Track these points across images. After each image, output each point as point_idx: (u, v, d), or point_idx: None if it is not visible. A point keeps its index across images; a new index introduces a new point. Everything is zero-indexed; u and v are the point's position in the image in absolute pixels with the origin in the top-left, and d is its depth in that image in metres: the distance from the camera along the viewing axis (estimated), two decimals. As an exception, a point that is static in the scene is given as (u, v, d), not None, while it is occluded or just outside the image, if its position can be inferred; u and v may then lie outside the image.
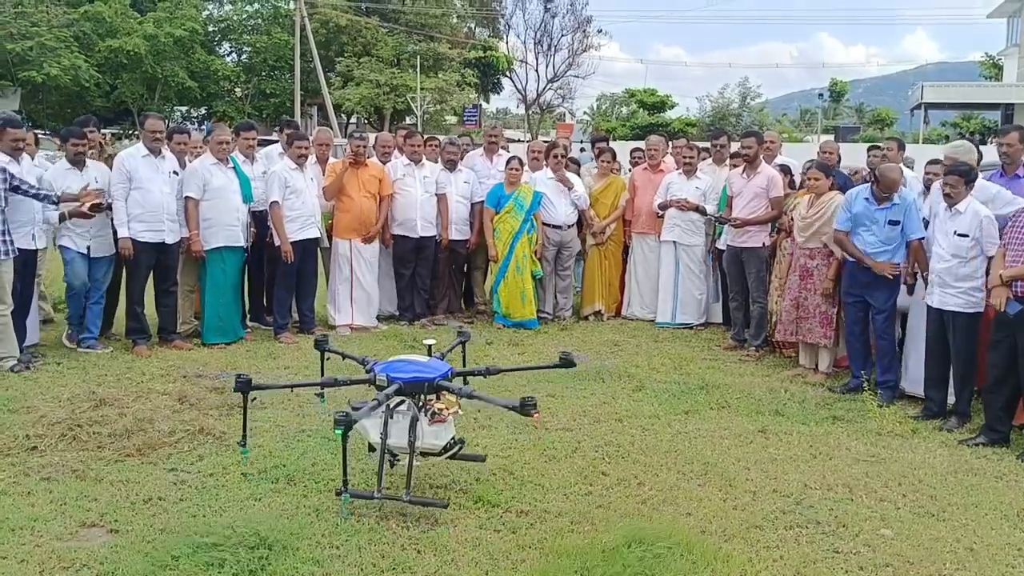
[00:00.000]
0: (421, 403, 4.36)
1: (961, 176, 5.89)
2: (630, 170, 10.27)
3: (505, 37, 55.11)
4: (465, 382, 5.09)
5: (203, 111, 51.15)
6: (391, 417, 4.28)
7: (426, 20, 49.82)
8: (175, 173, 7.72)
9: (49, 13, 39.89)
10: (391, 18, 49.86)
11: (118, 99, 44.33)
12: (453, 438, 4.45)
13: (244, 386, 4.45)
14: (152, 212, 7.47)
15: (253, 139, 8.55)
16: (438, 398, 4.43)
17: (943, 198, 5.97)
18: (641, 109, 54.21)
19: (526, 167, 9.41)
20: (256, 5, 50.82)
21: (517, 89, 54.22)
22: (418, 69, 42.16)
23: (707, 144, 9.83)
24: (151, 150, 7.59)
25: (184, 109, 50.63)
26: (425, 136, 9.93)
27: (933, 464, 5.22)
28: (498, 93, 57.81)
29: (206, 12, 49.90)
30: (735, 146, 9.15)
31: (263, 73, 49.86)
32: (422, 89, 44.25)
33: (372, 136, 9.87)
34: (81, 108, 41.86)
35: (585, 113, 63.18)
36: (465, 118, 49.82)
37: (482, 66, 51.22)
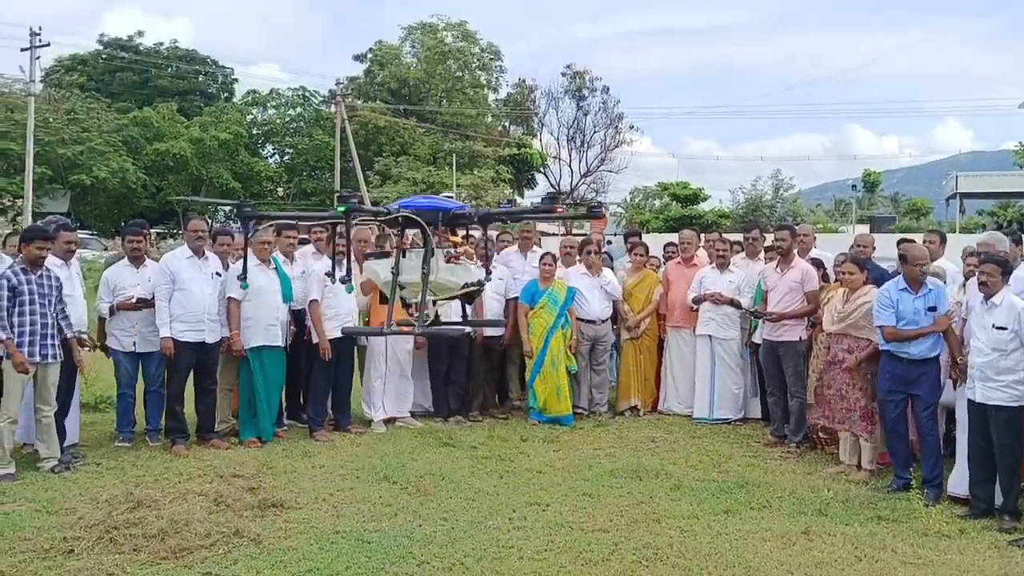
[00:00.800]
0: (436, 237, 4.46)
1: (998, 265, 5.86)
2: (663, 264, 10.30)
3: (539, 134, 56.34)
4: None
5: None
6: (404, 256, 4.33)
7: (462, 120, 51.18)
8: (218, 274, 7.90)
9: (100, 119, 41.56)
10: (428, 119, 51.26)
11: (164, 200, 45.65)
12: (470, 281, 4.49)
13: (249, 212, 4.74)
14: (193, 313, 7.64)
15: (294, 239, 8.74)
16: (455, 234, 4.53)
17: (979, 288, 5.92)
18: (674, 202, 54.63)
19: (559, 263, 9.49)
20: (299, 109, 52.58)
21: (551, 184, 55.12)
22: (454, 167, 43.08)
23: (740, 237, 9.86)
24: (195, 251, 7.81)
25: (227, 208, 51.92)
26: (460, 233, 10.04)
27: (983, 566, 5.04)
28: (532, 188, 58.74)
29: (250, 116, 51.65)
30: (768, 239, 9.17)
31: (304, 173, 51.25)
32: (458, 186, 45.09)
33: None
34: (128, 209, 43.25)
35: (619, 206, 63.82)
36: (500, 213, 50.45)
37: (516, 162, 52.21)
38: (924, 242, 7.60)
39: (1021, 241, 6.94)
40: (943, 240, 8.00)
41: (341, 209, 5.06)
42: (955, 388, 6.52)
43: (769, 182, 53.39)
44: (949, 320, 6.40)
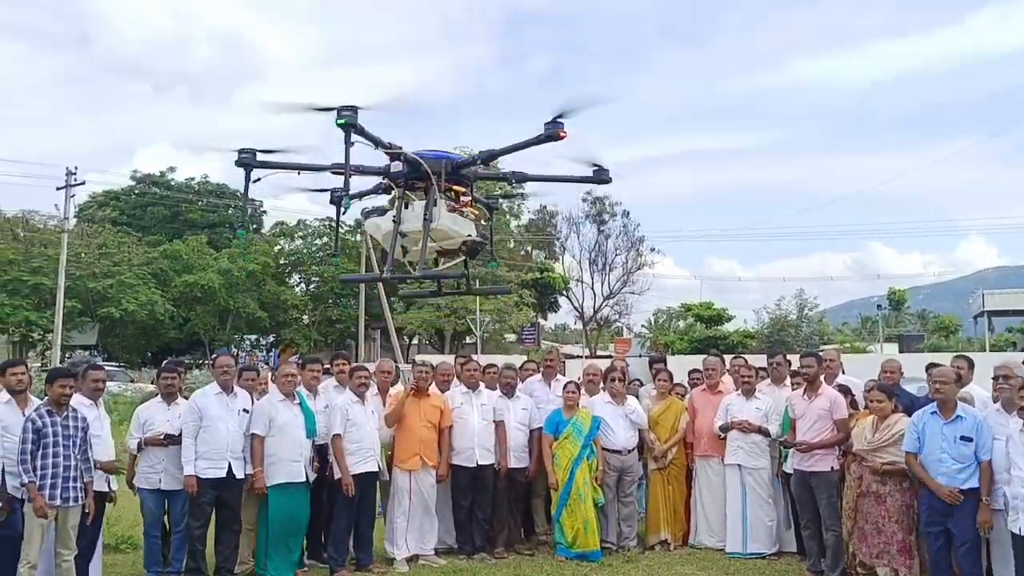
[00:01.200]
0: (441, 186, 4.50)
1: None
2: (689, 390, 10.19)
3: (561, 258, 57.00)
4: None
5: (271, 338, 52.87)
6: (406, 207, 4.33)
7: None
8: (245, 411, 7.91)
9: (130, 253, 42.59)
10: (452, 244, 52.13)
11: (191, 331, 46.20)
12: (472, 234, 4.49)
13: (249, 159, 4.72)
14: (216, 449, 7.61)
15: (318, 372, 8.76)
16: (460, 185, 4.57)
17: (1018, 413, 5.79)
18: (699, 323, 54.61)
19: (583, 391, 9.42)
20: (325, 238, 53.67)
21: (574, 306, 55.44)
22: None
23: (765, 361, 9.78)
24: (223, 387, 7.85)
25: (253, 337, 52.45)
26: (483, 363, 10.03)
27: None
28: (555, 311, 59.09)
29: (278, 247, 52.73)
30: (794, 362, 9.09)
31: (329, 300, 51.84)
32: (481, 310, 45.41)
33: (434, 361, 10.00)
34: (155, 340, 43.76)
35: (643, 326, 63.86)
36: (524, 336, 50.67)
37: (539, 286, 52.68)
38: (952, 366, 7.50)
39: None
40: (971, 365, 7.85)
41: (340, 122, 5.31)
42: (983, 535, 6.27)
43: (793, 302, 53.37)
44: (954, 495, 6.21)
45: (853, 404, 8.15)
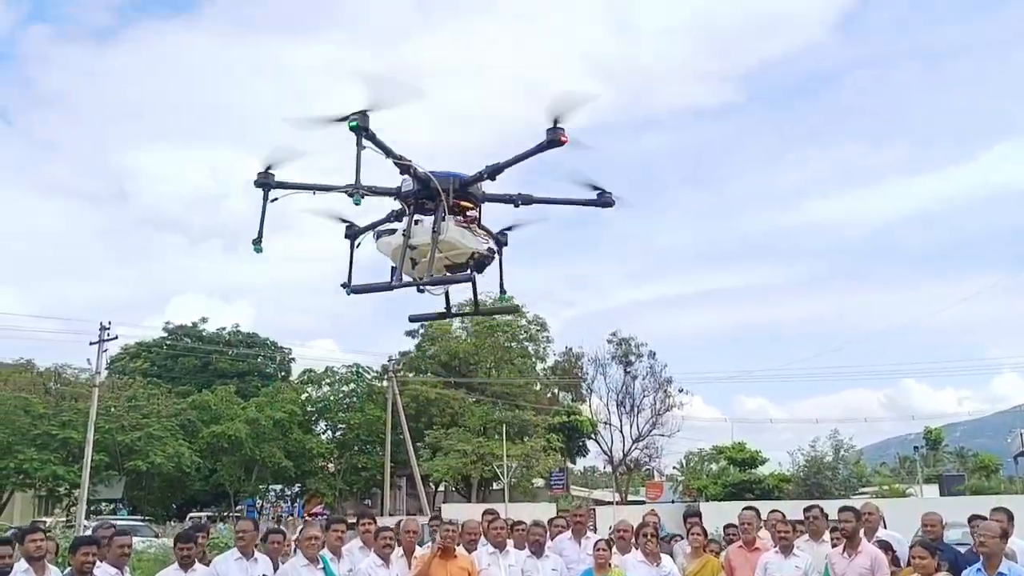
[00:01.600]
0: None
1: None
2: (724, 546, 9.86)
3: (588, 400, 56.57)
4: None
5: (297, 488, 52.32)
6: (415, 223, 4.47)
7: (511, 389, 51.80)
8: None
9: (159, 404, 42.83)
10: (478, 389, 51.99)
11: (216, 482, 45.87)
12: (479, 248, 4.55)
13: (267, 179, 5.01)
14: None
15: (342, 532, 8.61)
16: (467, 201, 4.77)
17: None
18: (732, 465, 53.39)
19: (615, 548, 9.14)
20: (352, 385, 53.82)
21: (603, 450, 54.63)
22: (504, 437, 43.03)
23: (801, 513, 9.48)
24: (242, 552, 7.73)
25: (279, 488, 51.95)
26: (511, 520, 9.79)
27: None
28: (584, 455, 58.18)
29: (305, 395, 52.90)
30: (831, 511, 8.81)
31: (355, 448, 51.52)
32: (508, 456, 44.77)
33: (460, 516, 9.80)
34: (181, 493, 43.43)
35: (675, 468, 62.54)
36: (552, 482, 49.74)
37: (567, 429, 52.07)
38: (992, 519, 7.25)
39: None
40: (1011, 517, 7.58)
41: (352, 125, 5.79)
42: None
43: (828, 442, 52.18)
44: None
45: (896, 561, 7.85)
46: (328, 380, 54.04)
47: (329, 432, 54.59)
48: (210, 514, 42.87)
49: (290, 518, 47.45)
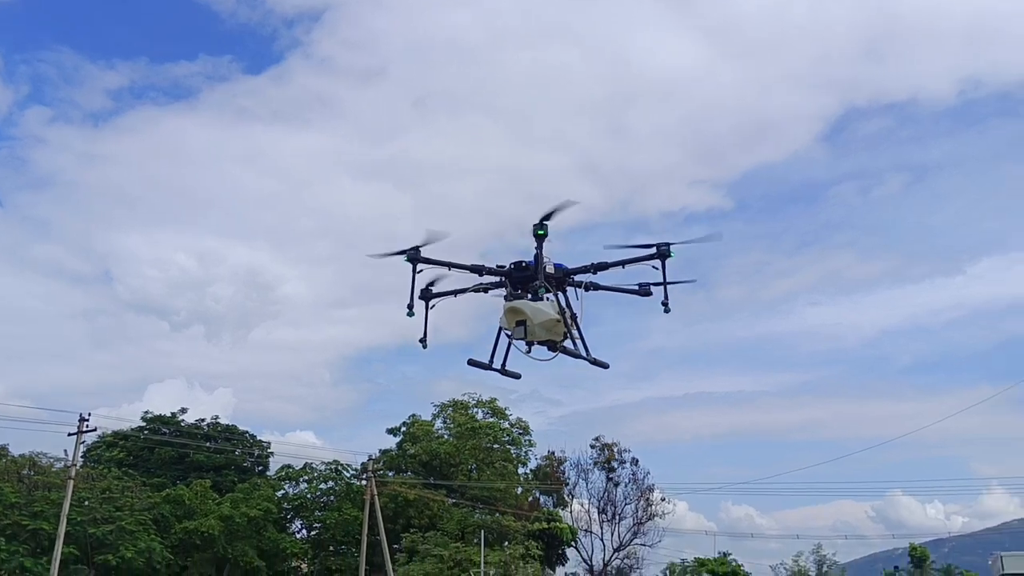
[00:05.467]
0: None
1: None
2: None
3: (569, 505, 55.97)
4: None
5: (268, 589, 51.04)
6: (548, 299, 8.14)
7: (491, 493, 51.26)
8: None
9: (133, 497, 42.23)
10: (458, 491, 51.43)
11: (185, 581, 44.88)
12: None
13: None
14: None
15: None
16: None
17: None
18: (712, 580, 52.56)
19: None
20: (330, 482, 53.15)
21: (583, 558, 53.77)
22: (482, 542, 42.39)
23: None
24: None
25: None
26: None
27: None
28: (563, 564, 57.17)
29: (281, 491, 52.22)
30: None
31: (330, 548, 50.60)
32: (486, 563, 44.03)
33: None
34: (149, 590, 42.38)
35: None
36: (530, 593, 48.79)
37: (547, 537, 51.34)
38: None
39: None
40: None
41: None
42: None
43: (811, 558, 51.60)
44: None
45: None
46: (306, 477, 53.34)
47: (304, 531, 53.60)
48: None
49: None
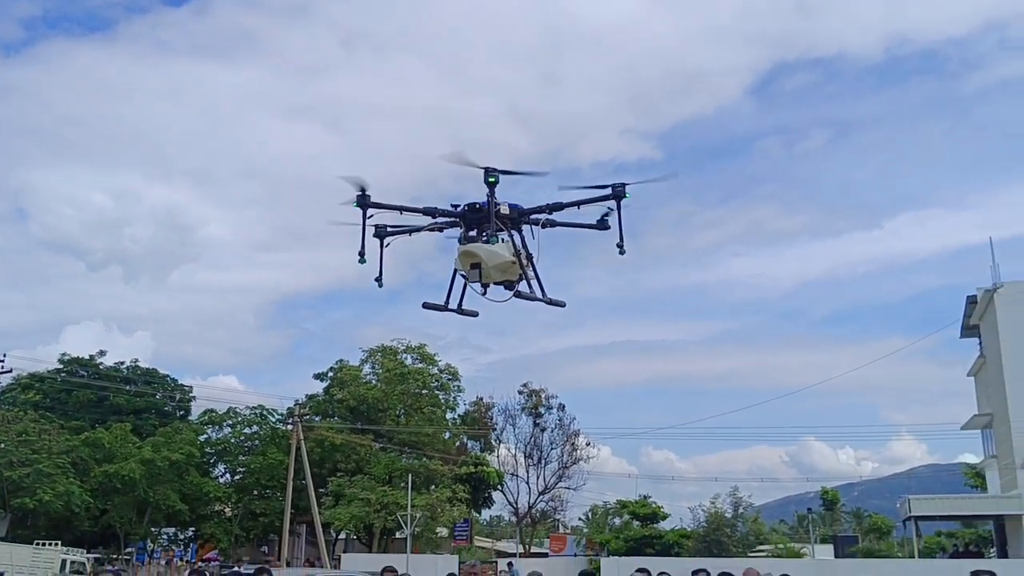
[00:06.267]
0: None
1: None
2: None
3: (496, 450, 56.55)
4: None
5: (191, 532, 50.69)
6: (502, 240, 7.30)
7: (419, 438, 51.40)
8: None
9: (50, 440, 41.21)
10: (386, 436, 51.46)
11: (107, 523, 44.18)
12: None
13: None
14: None
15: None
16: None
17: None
18: (634, 520, 53.88)
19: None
20: (255, 427, 52.63)
21: (509, 501, 54.56)
22: (409, 487, 42.60)
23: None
24: None
25: (172, 531, 50.27)
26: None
27: None
28: (490, 507, 57.98)
29: (204, 435, 51.53)
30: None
31: (254, 492, 50.26)
32: (413, 506, 44.31)
33: (358, 567, 9.82)
34: (68, 533, 41.67)
35: (580, 520, 62.85)
36: (456, 533, 49.39)
37: (474, 480, 51.82)
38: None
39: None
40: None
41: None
42: None
43: (728, 500, 53.24)
44: None
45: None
46: (230, 421, 52.71)
47: (228, 475, 53.10)
48: (98, 556, 41.22)
49: (181, 563, 45.95)
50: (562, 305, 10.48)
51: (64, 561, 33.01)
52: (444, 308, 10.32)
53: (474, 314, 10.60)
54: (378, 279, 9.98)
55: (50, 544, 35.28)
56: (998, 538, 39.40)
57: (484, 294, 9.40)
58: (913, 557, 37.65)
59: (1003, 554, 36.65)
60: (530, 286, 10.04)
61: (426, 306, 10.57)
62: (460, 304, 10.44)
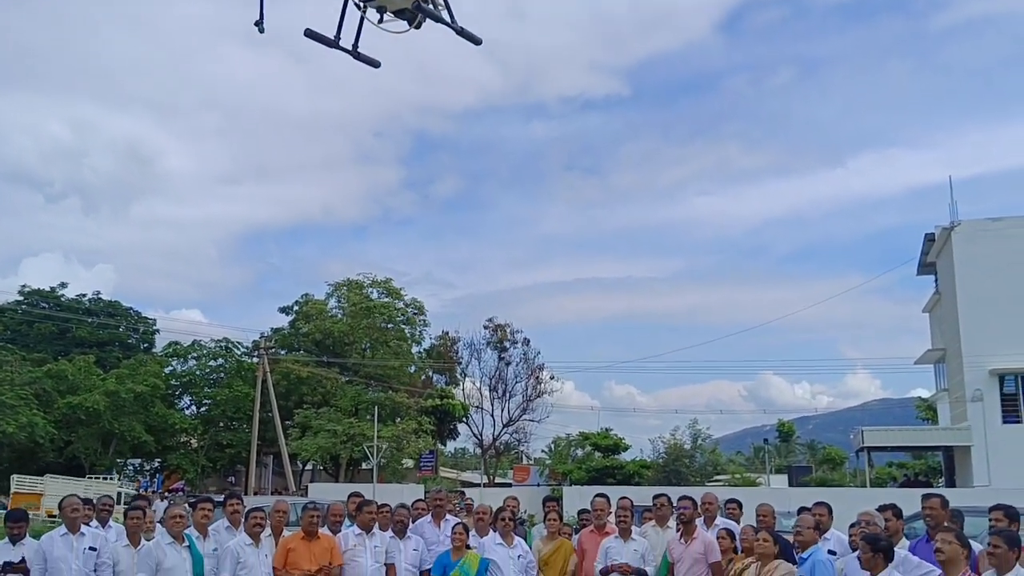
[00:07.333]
0: None
1: (869, 544, 6.26)
2: (579, 530, 10.42)
3: (461, 384, 57.14)
4: None
5: (157, 463, 50.90)
6: None
7: (385, 371, 51.76)
8: (92, 549, 8.01)
9: (12, 372, 40.89)
10: (351, 369, 51.73)
11: (71, 454, 44.17)
12: None
13: None
14: None
15: (209, 510, 8.72)
16: None
17: (862, 566, 6.28)
18: (596, 451, 54.98)
19: (474, 531, 9.56)
20: (220, 360, 52.57)
21: (473, 433, 55.34)
22: (376, 419, 43.06)
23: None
24: (69, 527, 8.02)
25: (137, 462, 50.40)
26: (377, 503, 10.07)
27: None
28: (455, 438, 58.81)
29: (169, 368, 51.39)
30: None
31: (220, 424, 50.43)
32: (379, 437, 44.82)
33: (328, 497, 10.05)
34: (33, 464, 41.62)
35: (543, 452, 63.91)
36: (422, 464, 50.08)
37: (439, 413, 52.45)
38: (813, 513, 7.99)
39: (902, 515, 7.40)
40: (830, 511, 8.35)
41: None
42: None
43: (687, 432, 54.41)
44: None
45: (735, 549, 8.47)
46: (195, 354, 52.64)
47: (193, 407, 53.23)
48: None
49: (148, 492, 46.22)
50: (477, 42, 7.22)
51: (119, 494, 33.60)
52: (333, 43, 7.17)
53: (375, 64, 7.48)
54: (258, 23, 7.16)
55: (103, 478, 36.10)
56: (947, 469, 40.88)
57: (380, 21, 6.73)
58: (864, 486, 38.97)
59: (951, 484, 38.06)
60: (435, 6, 7.21)
61: (309, 34, 7.76)
62: (356, 43, 7.91)
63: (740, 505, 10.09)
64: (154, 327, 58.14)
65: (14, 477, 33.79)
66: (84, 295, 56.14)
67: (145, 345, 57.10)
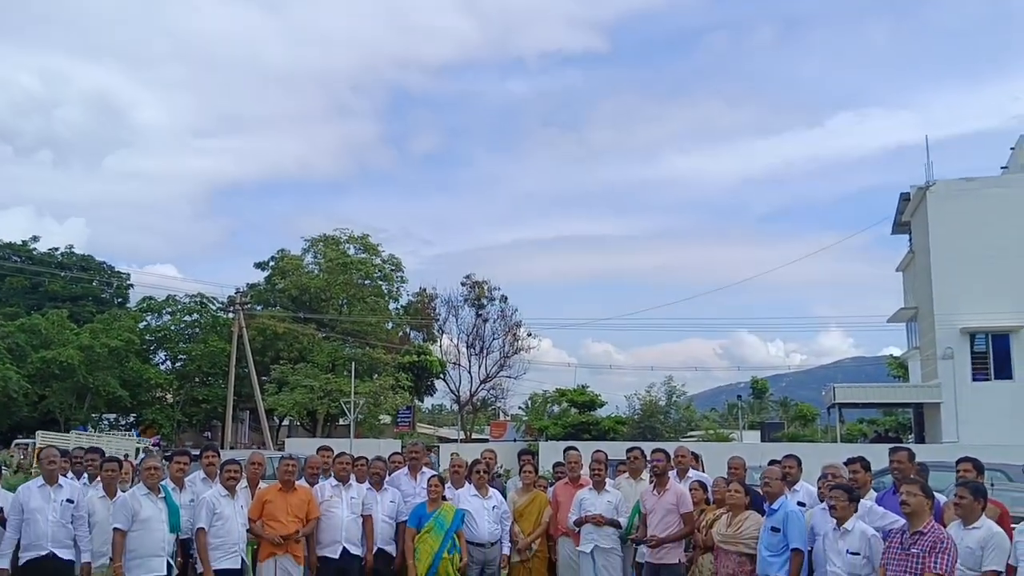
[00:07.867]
0: None
1: (845, 492, 6.40)
2: (553, 482, 10.53)
3: (439, 340, 57.26)
4: None
5: (132, 418, 50.79)
6: None
7: (362, 327, 51.73)
8: (69, 501, 8.02)
9: (-15, 326, 40.52)
10: (328, 325, 51.64)
11: (45, 409, 43.97)
12: None
13: None
14: (36, 542, 7.77)
15: (185, 464, 8.75)
16: None
17: (830, 513, 6.41)
18: (572, 408, 55.44)
19: (450, 483, 9.64)
20: (195, 315, 52.29)
21: (451, 389, 55.57)
22: (353, 374, 43.13)
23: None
24: (46, 478, 8.02)
25: (112, 417, 50.28)
26: (354, 456, 10.14)
27: None
28: (432, 395, 59.02)
29: (144, 323, 51.07)
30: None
31: (196, 379, 50.30)
32: (356, 393, 44.93)
33: (304, 450, 10.09)
34: (6, 419, 41.42)
35: (520, 408, 64.35)
36: (399, 420, 50.32)
37: (416, 369, 52.58)
38: (783, 465, 8.12)
39: (870, 467, 7.55)
40: (799, 463, 8.49)
41: None
42: None
43: (662, 388, 54.93)
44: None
45: (708, 500, 8.60)
46: (170, 309, 52.31)
47: (169, 363, 53.01)
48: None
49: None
50: None
51: (137, 449, 33.89)
52: None
53: None
54: None
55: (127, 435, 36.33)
56: (917, 425, 41.61)
57: None
58: (836, 442, 39.62)
59: (920, 440, 38.74)
60: None
61: None
62: None
63: (698, 458, 10.32)
64: (128, 282, 57.71)
65: (39, 433, 33.76)
66: (56, 249, 55.53)
67: (119, 300, 56.67)
